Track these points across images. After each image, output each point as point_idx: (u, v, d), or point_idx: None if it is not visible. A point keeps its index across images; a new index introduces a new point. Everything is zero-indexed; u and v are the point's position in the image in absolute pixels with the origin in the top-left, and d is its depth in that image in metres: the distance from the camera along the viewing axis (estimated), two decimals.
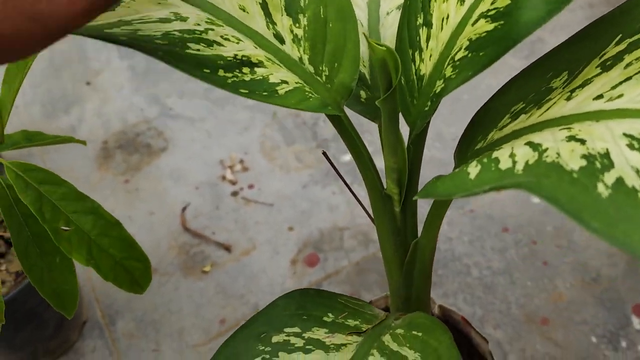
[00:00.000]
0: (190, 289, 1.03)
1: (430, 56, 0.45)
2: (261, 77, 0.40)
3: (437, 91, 0.42)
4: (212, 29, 0.41)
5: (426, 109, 0.44)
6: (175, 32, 0.38)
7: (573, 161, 0.31)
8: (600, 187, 0.29)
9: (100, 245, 0.61)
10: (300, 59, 0.45)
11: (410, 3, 0.47)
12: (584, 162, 0.31)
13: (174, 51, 0.37)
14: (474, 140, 0.45)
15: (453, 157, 0.47)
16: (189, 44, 0.38)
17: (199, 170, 1.19)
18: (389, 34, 0.53)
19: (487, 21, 0.38)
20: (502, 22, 0.37)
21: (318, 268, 1.04)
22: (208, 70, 0.37)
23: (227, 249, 1.07)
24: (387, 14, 0.55)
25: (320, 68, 0.45)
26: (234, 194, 1.15)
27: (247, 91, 0.38)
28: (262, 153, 1.21)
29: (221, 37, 0.41)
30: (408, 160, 0.48)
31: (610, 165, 0.30)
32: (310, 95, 0.42)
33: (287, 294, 0.48)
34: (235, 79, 0.39)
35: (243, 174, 1.18)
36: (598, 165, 0.30)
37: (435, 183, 0.37)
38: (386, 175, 0.48)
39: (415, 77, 0.46)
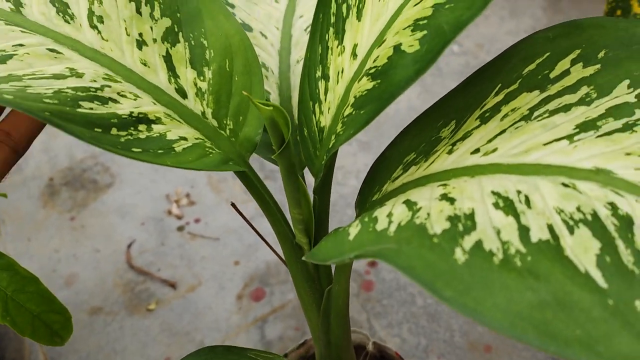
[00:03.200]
0: (135, 327, 1.02)
1: (329, 109, 0.46)
2: (158, 134, 0.41)
3: (329, 146, 0.43)
4: (109, 86, 0.41)
5: (323, 162, 0.45)
6: (68, 90, 0.38)
7: (438, 223, 0.32)
8: (458, 253, 0.29)
9: (17, 300, 0.60)
10: (204, 113, 0.45)
11: (310, 55, 0.48)
12: (447, 225, 0.32)
13: (63, 111, 0.37)
14: (372, 190, 0.45)
15: (354, 207, 0.47)
16: (81, 103, 0.38)
17: (145, 205, 1.18)
18: (299, 81, 0.54)
19: (368, 79, 0.39)
20: (379, 80, 0.38)
21: (264, 302, 1.04)
22: (99, 130, 0.37)
23: (173, 285, 1.07)
24: (297, 62, 0.56)
25: (225, 122, 0.46)
26: (180, 228, 1.15)
27: (140, 150, 0.38)
28: (209, 186, 1.21)
29: (118, 93, 0.41)
30: (314, 210, 0.49)
31: (473, 227, 0.31)
32: (210, 151, 0.43)
33: (196, 352, 0.48)
34: (129, 137, 0.39)
35: (189, 208, 1.17)
36: (460, 227, 0.31)
37: (320, 244, 0.37)
38: (293, 226, 0.49)
39: (316, 128, 0.47)
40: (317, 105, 0.47)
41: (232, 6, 0.58)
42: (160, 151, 0.39)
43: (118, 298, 1.06)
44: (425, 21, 0.37)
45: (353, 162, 1.24)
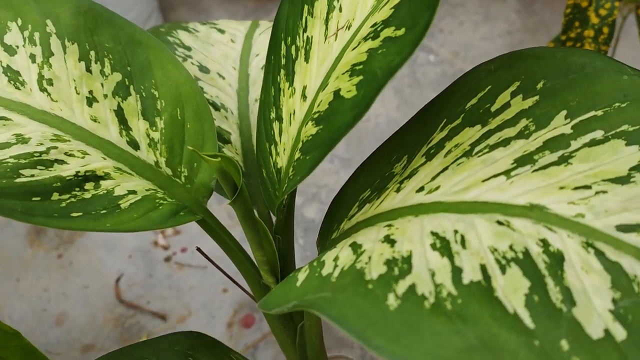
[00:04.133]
0: None
1: (284, 150, 0.46)
2: (105, 191, 0.41)
3: (283, 189, 0.43)
4: (56, 147, 0.42)
5: (281, 202, 0.45)
6: (10, 160, 0.39)
7: (376, 268, 0.33)
8: (391, 298, 0.30)
9: (0, 357, 0.61)
10: (157, 162, 0.46)
11: (264, 97, 0.49)
12: (384, 269, 0.32)
13: None
14: (331, 228, 0.46)
15: (316, 245, 0.48)
16: (22, 171, 0.39)
17: (131, 238, 1.19)
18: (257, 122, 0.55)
19: (312, 124, 0.40)
20: (321, 126, 0.38)
21: (254, 329, 1.04)
22: (38, 198, 0.38)
23: (163, 317, 1.07)
24: (256, 100, 0.56)
25: (179, 169, 0.47)
26: (167, 259, 1.15)
27: (79, 214, 0.39)
28: None
29: (65, 153, 0.42)
30: (278, 250, 0.49)
31: (408, 270, 0.32)
32: (161, 202, 0.43)
33: (186, 332, 0.49)
34: (72, 199, 0.40)
35: (175, 238, 1.18)
36: (396, 271, 0.32)
37: (272, 291, 0.38)
38: (259, 267, 0.49)
39: (274, 169, 0.47)
40: (273, 146, 0.47)
41: (189, 49, 0.59)
42: (103, 211, 0.40)
43: (109, 334, 1.06)
44: (361, 66, 0.37)
45: (336, 180, 1.25)
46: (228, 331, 1.04)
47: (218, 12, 1.70)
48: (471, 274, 0.31)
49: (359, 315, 0.29)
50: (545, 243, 0.31)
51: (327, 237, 0.46)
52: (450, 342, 0.27)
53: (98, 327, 1.07)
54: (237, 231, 1.15)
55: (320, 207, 1.20)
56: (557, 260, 0.30)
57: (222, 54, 0.59)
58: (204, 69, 0.58)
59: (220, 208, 1.22)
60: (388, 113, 1.37)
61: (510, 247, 0.31)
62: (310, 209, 1.20)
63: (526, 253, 0.31)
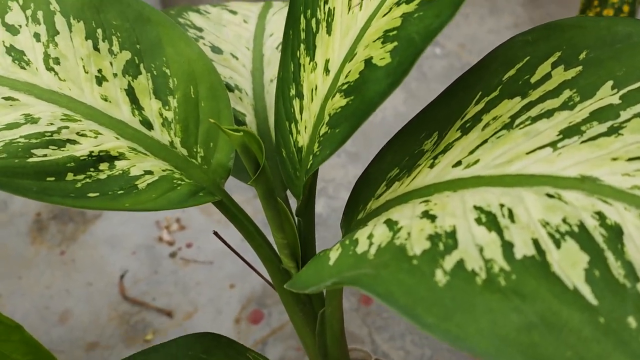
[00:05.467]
0: None
1: (305, 128, 0.44)
2: (121, 171, 0.39)
3: (307, 167, 0.41)
4: (67, 127, 0.40)
5: (303, 183, 0.43)
6: (20, 140, 0.37)
7: (418, 243, 0.30)
8: (439, 275, 0.28)
9: (2, 351, 0.58)
10: (172, 142, 0.44)
11: (282, 74, 0.46)
12: (427, 245, 0.30)
13: (11, 165, 0.35)
14: (357, 209, 0.44)
15: (340, 227, 0.46)
16: (34, 151, 0.36)
17: (135, 234, 1.16)
18: (274, 101, 0.53)
19: (341, 96, 0.38)
20: (352, 97, 0.36)
21: (263, 324, 1.02)
22: (52, 178, 0.36)
23: (169, 314, 1.05)
24: (271, 81, 0.54)
25: (195, 150, 0.44)
26: (172, 255, 1.13)
27: (96, 195, 0.36)
28: (199, 209, 1.19)
29: (77, 133, 0.40)
30: (299, 233, 0.47)
31: (454, 245, 0.29)
32: (179, 182, 0.41)
33: (198, 334, 0.46)
34: (87, 180, 0.37)
35: (180, 233, 1.15)
36: (441, 247, 0.30)
37: (301, 271, 0.35)
38: (278, 250, 0.47)
39: (294, 149, 0.45)
40: (293, 125, 0.45)
41: (200, 29, 0.57)
42: (120, 192, 0.37)
43: (114, 331, 1.04)
44: (395, 32, 0.35)
45: (343, 174, 1.22)
46: (236, 327, 1.02)
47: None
48: (523, 249, 0.28)
49: (406, 292, 0.27)
50: (601, 216, 0.29)
51: (352, 218, 0.44)
52: (507, 320, 0.25)
53: (102, 325, 1.05)
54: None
55: (328, 202, 1.18)
56: (615, 233, 0.28)
57: (235, 35, 0.57)
58: (216, 50, 0.55)
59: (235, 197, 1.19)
60: (395, 107, 1.35)
61: (564, 220, 0.29)
62: (317, 204, 1.17)
63: (581, 226, 0.29)
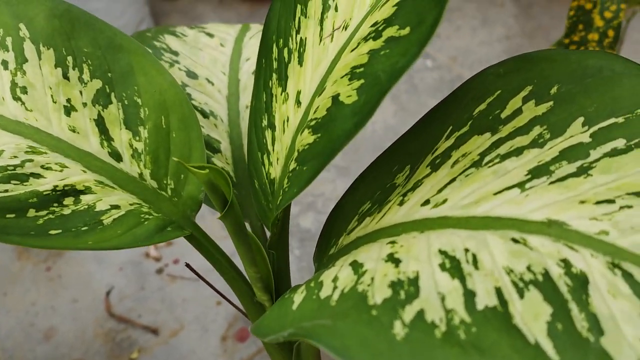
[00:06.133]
0: None
1: (277, 160, 0.43)
2: (86, 206, 0.38)
3: (278, 202, 0.40)
4: (31, 160, 0.39)
5: (276, 215, 0.42)
6: None
7: (380, 290, 0.30)
8: (397, 326, 0.27)
9: None
10: (141, 174, 0.43)
11: (255, 104, 0.46)
12: (389, 293, 0.29)
13: None
14: (329, 243, 0.43)
15: (312, 261, 0.45)
16: None
17: (122, 250, 1.15)
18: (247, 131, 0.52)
19: (309, 132, 0.37)
20: (319, 134, 0.35)
21: (249, 342, 1.01)
22: (12, 215, 0.35)
23: (155, 331, 1.04)
24: (247, 107, 0.53)
25: (165, 182, 0.44)
26: (159, 271, 1.12)
27: (58, 232, 0.36)
28: None
29: (42, 167, 0.39)
30: (272, 266, 0.46)
31: (416, 293, 0.29)
32: (146, 217, 0.40)
33: None
34: (50, 216, 0.36)
35: (167, 249, 1.15)
36: (402, 295, 0.29)
37: (265, 315, 0.35)
38: (252, 284, 0.46)
39: (267, 180, 0.44)
40: (265, 156, 0.44)
41: (176, 53, 0.56)
42: (84, 228, 0.37)
43: (99, 349, 1.03)
44: (362, 69, 0.34)
45: (332, 188, 1.22)
46: (222, 345, 1.01)
47: (211, 19, 1.68)
48: (486, 299, 0.28)
49: (363, 346, 0.26)
50: (566, 263, 0.28)
51: (324, 253, 0.43)
52: None
53: (88, 342, 1.03)
54: (230, 243, 1.12)
55: (316, 216, 1.17)
56: (580, 282, 0.27)
57: (211, 59, 0.56)
58: (192, 75, 0.55)
59: (214, 219, 1.19)
60: (385, 120, 1.34)
61: (528, 268, 0.28)
62: (306, 219, 1.17)
63: (546, 275, 0.28)
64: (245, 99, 0.53)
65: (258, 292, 0.46)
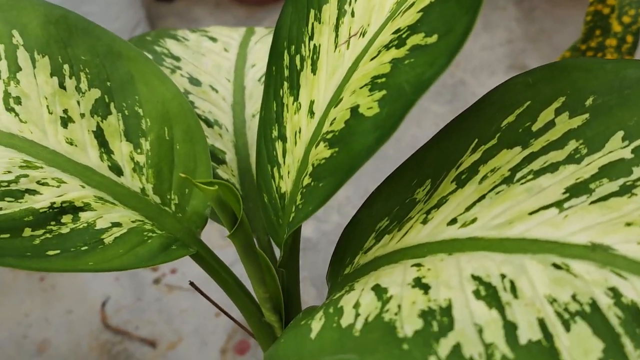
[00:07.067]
0: None
1: (289, 173, 0.41)
2: (86, 224, 0.36)
3: (290, 220, 0.38)
4: (26, 175, 0.36)
5: (287, 234, 0.40)
6: None
7: (410, 321, 0.27)
8: None
9: None
10: (143, 189, 0.40)
11: (265, 114, 0.43)
12: (420, 324, 0.27)
13: None
14: (344, 261, 0.40)
15: (325, 280, 0.42)
16: None
17: None
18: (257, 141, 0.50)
19: (325, 146, 0.34)
20: (337, 149, 0.33)
21: (249, 355, 0.98)
22: (7, 235, 0.32)
23: (152, 344, 1.01)
24: (253, 116, 0.51)
25: (169, 197, 0.41)
26: (156, 281, 1.09)
27: (56, 252, 0.33)
28: None
29: (37, 182, 0.36)
30: (282, 285, 0.44)
31: (450, 325, 0.26)
32: (149, 235, 0.38)
33: None
34: (47, 235, 0.34)
35: None
36: (435, 326, 0.26)
37: (280, 342, 0.32)
38: (260, 304, 0.44)
39: (277, 195, 0.42)
40: (275, 169, 0.42)
41: (178, 59, 0.53)
42: (84, 248, 0.34)
43: None
44: (383, 79, 0.32)
45: (333, 196, 1.19)
46: (222, 358, 0.98)
47: (208, 22, 1.65)
48: (528, 332, 0.25)
49: None
50: (616, 293, 0.26)
51: (339, 272, 0.40)
52: None
53: (83, 355, 1.00)
54: (231, 251, 1.09)
55: (318, 224, 1.15)
56: (632, 314, 0.25)
57: (214, 65, 0.54)
58: (194, 82, 0.52)
59: (212, 227, 1.16)
60: None
61: (574, 298, 0.26)
62: (306, 227, 1.14)
63: (594, 305, 0.25)
64: (251, 107, 0.51)
65: (267, 313, 0.44)
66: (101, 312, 1.05)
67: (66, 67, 0.41)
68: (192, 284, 0.46)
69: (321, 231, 1.13)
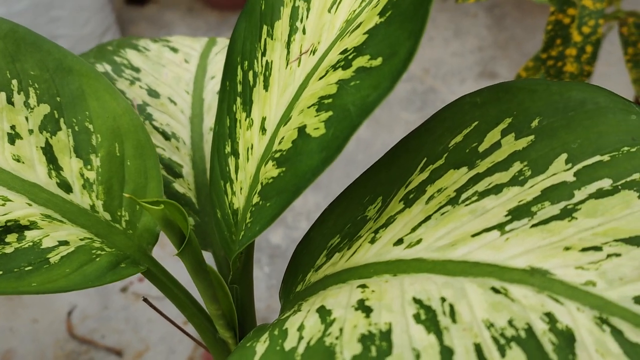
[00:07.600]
0: None
1: (241, 189, 0.40)
2: (31, 243, 0.35)
3: (240, 239, 0.38)
4: None
5: (239, 250, 0.39)
6: None
7: (349, 346, 0.27)
8: None
9: None
10: (93, 206, 0.40)
11: (218, 129, 0.43)
12: (358, 349, 0.27)
13: None
14: (296, 278, 0.40)
15: (279, 298, 0.42)
16: None
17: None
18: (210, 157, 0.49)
19: (273, 165, 0.34)
20: (284, 168, 0.33)
21: None
22: None
23: (119, 353, 1.00)
24: (211, 129, 0.50)
25: (119, 213, 0.40)
26: (124, 289, 1.08)
27: (0, 272, 0.32)
28: None
29: None
30: (235, 302, 0.43)
31: (388, 349, 0.26)
32: (98, 253, 0.37)
33: None
34: None
35: None
36: (374, 352, 0.26)
37: None
38: (214, 321, 0.43)
39: (230, 210, 0.41)
40: (228, 184, 0.41)
41: (138, 70, 0.53)
42: (28, 268, 0.33)
43: None
44: (330, 100, 0.32)
45: (303, 202, 1.19)
46: None
47: (179, 27, 1.64)
48: (464, 357, 0.25)
49: None
50: (551, 318, 0.26)
51: (291, 289, 0.40)
52: None
53: None
54: None
55: (287, 232, 1.14)
56: (566, 340, 0.25)
57: (174, 76, 0.53)
58: (153, 94, 0.52)
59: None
60: (357, 133, 1.32)
61: (510, 323, 0.26)
62: (275, 234, 1.14)
63: (529, 331, 0.26)
64: (210, 120, 0.51)
65: (220, 329, 0.44)
66: (67, 321, 1.04)
67: (14, 82, 0.40)
68: (146, 300, 0.46)
69: (291, 238, 1.13)
